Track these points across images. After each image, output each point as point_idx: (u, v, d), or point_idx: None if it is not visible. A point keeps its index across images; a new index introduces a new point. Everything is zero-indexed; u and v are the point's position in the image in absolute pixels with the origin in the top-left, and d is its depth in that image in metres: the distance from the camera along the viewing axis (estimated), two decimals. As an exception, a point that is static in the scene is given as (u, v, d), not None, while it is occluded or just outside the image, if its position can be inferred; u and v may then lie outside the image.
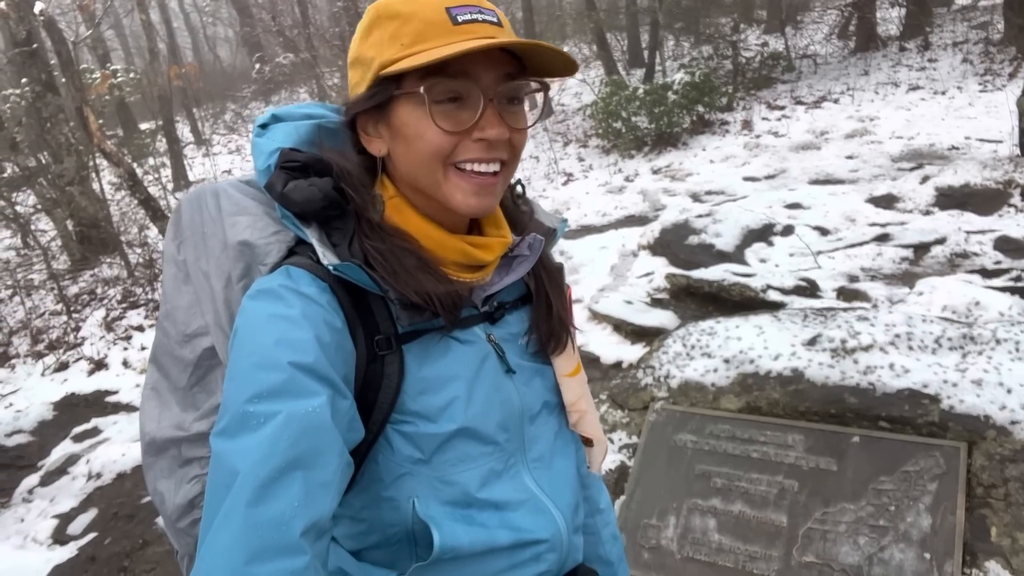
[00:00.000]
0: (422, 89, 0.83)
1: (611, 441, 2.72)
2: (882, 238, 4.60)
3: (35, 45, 8.19)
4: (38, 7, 7.04)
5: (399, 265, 0.87)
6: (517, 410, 0.97)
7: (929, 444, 2.23)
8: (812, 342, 2.64)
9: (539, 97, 0.93)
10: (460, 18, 0.84)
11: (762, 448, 2.42)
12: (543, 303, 1.02)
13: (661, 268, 4.53)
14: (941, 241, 4.34)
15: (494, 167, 0.88)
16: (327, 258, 0.84)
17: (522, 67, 0.89)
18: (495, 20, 0.87)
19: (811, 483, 2.29)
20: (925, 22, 10.92)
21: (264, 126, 0.97)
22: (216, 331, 0.94)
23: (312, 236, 0.86)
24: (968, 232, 4.38)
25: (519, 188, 1.06)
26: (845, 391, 2.43)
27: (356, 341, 0.86)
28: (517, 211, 1.05)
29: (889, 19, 12.25)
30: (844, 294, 3.69)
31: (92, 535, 3.62)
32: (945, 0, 12.67)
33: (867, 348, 2.53)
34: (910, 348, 2.51)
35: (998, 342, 2.45)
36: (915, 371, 2.40)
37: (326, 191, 0.87)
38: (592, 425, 1.10)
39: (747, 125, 8.86)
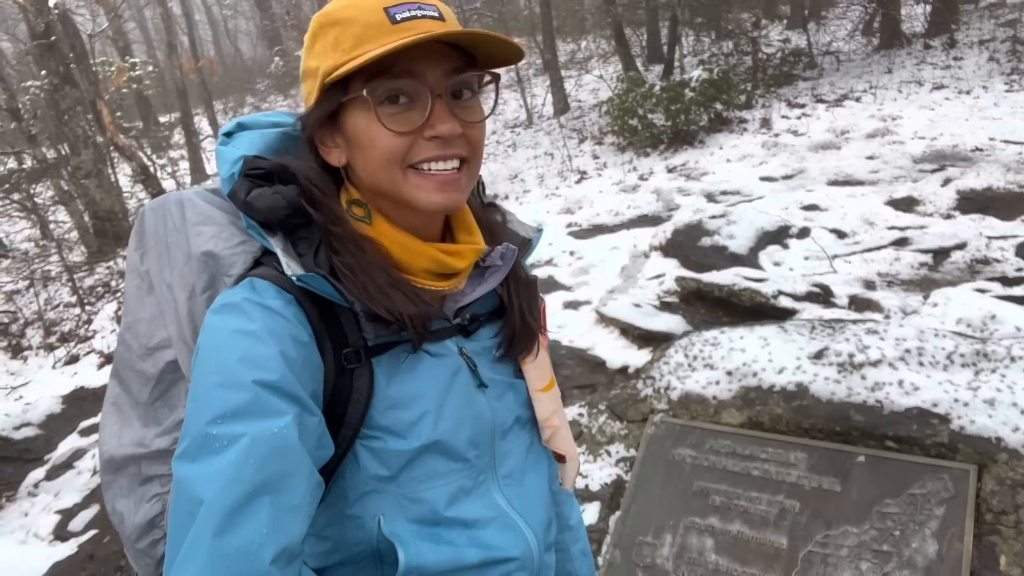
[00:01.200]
0: (365, 92, 0.82)
1: (608, 454, 2.66)
2: (901, 242, 4.48)
3: (53, 38, 8.25)
4: (52, 0, 7.07)
5: (370, 281, 0.84)
6: (488, 425, 0.95)
7: (937, 466, 2.14)
8: (818, 355, 2.55)
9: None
10: (399, 16, 0.82)
11: (763, 466, 2.34)
12: (515, 309, 1.00)
13: (672, 270, 4.44)
14: (961, 246, 4.21)
15: (452, 164, 0.87)
16: (291, 268, 0.81)
17: (471, 60, 0.87)
18: (436, 15, 0.85)
19: (813, 504, 2.21)
20: (951, 19, 10.66)
21: (229, 134, 0.95)
22: (179, 344, 0.92)
23: (277, 246, 0.84)
24: (990, 237, 4.25)
25: (483, 191, 1.05)
26: (851, 408, 2.35)
27: (324, 355, 0.84)
28: (488, 218, 1.03)
29: (914, 16, 11.98)
30: (856, 303, 3.58)
31: (92, 532, 3.62)
32: (972, -4, 12.38)
33: (876, 363, 2.44)
34: (920, 364, 2.42)
35: (1013, 360, 2.34)
36: (925, 388, 2.30)
37: (290, 199, 0.85)
38: (565, 441, 1.08)
39: (766, 123, 8.70)
